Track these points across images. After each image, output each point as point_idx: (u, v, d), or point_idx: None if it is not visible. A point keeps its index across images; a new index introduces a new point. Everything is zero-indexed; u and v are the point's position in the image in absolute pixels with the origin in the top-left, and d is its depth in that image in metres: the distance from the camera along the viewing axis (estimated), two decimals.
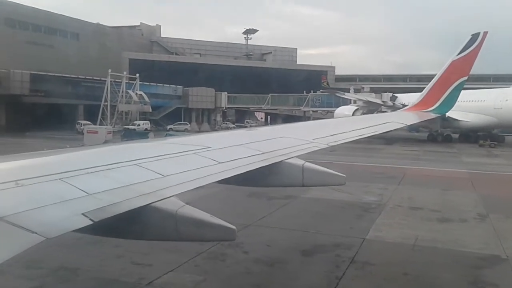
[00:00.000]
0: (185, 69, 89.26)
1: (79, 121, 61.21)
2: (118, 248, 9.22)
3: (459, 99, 50.22)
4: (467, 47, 12.82)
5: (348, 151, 37.74)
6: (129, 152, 4.28)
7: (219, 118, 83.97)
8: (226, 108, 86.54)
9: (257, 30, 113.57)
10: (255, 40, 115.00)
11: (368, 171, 23.99)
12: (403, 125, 11.00)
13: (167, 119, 75.62)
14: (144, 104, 68.46)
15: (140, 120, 66.20)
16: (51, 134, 51.14)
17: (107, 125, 59.75)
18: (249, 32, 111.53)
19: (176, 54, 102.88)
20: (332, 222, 12.45)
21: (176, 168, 3.70)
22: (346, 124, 8.42)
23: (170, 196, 3.31)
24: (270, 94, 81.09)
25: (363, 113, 52.27)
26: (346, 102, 69.22)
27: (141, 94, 68.72)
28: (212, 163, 4.01)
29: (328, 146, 5.84)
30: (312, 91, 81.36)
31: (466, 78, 12.20)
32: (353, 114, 51.93)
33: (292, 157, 5.01)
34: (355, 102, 64.92)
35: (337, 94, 61.56)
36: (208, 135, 7.91)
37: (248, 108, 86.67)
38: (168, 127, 67.67)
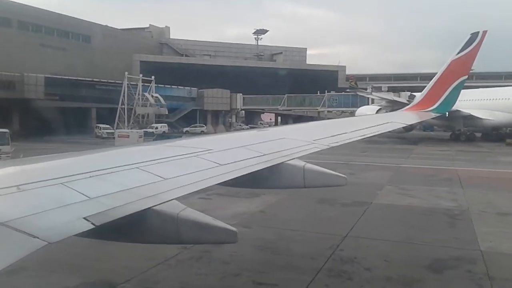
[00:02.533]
0: (196, 71, 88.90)
1: (98, 124, 60.50)
2: None
3: (481, 97, 49.71)
4: (467, 46, 12.62)
5: (379, 152, 37.28)
6: (130, 156, 4.26)
7: (234, 119, 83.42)
8: (241, 110, 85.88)
9: (267, 31, 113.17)
10: (254, 40, 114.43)
11: (417, 173, 23.35)
12: (404, 125, 11.01)
13: (182, 121, 75.11)
14: (161, 107, 67.97)
15: (156, 122, 65.60)
16: (69, 139, 50.57)
17: (124, 128, 59.16)
18: (259, 32, 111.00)
19: (186, 55, 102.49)
20: (428, 231, 11.71)
21: (177, 171, 3.68)
22: (347, 125, 8.35)
23: (172, 199, 3.30)
24: (286, 94, 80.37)
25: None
26: (364, 102, 68.45)
27: (157, 97, 68.19)
28: (213, 165, 4.00)
29: (328, 147, 5.81)
30: (326, 91, 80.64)
31: (466, 77, 12.10)
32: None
33: (293, 158, 4.98)
34: (373, 101, 64.12)
35: (363, 94, 60.73)
36: (209, 137, 7.84)
37: (263, 109, 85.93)
38: (185, 129, 67.19)
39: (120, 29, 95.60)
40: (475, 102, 50.20)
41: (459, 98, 50.19)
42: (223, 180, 3.81)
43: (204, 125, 73.53)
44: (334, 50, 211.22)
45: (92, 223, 2.56)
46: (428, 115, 11.89)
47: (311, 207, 14.65)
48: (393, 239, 10.88)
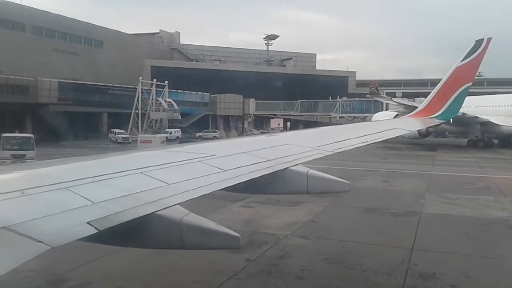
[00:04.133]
0: (206, 76, 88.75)
1: (113, 129, 60.19)
2: None
3: (498, 103, 48.90)
4: (471, 53, 12.58)
5: (401, 158, 36.78)
6: (133, 161, 4.27)
7: (246, 125, 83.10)
8: (254, 115, 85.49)
9: (278, 36, 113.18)
10: (263, 46, 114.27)
11: (452, 181, 22.74)
12: (407, 132, 10.93)
13: (194, 126, 74.80)
14: (174, 112, 67.69)
15: (169, 128, 65.29)
16: (84, 144, 50.33)
17: (138, 133, 58.82)
18: (269, 38, 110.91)
19: (196, 60, 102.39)
20: (496, 243, 11.12)
21: (181, 176, 3.68)
22: (351, 131, 8.30)
23: (175, 204, 3.30)
24: (299, 100, 79.97)
25: None
26: (377, 108, 67.91)
27: (170, 102, 67.95)
28: (217, 171, 3.98)
29: (332, 153, 5.74)
30: (338, 96, 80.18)
31: (470, 84, 11.96)
32: None
33: (296, 164, 4.95)
34: (387, 107, 63.58)
35: (384, 100, 60.22)
36: (213, 143, 7.85)
37: (275, 114, 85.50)
38: (197, 134, 66.86)
39: (131, 34, 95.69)
40: (492, 109, 49.58)
41: (476, 104, 50.08)
42: (226, 186, 3.79)
43: (216, 131, 73.22)
44: (337, 56, 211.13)
45: (96, 228, 2.56)
46: (432, 121, 11.80)
47: (361, 217, 14.22)
48: (464, 253, 10.34)
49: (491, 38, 13.26)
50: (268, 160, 4.67)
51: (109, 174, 3.36)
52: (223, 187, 3.76)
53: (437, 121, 11.89)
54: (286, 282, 8.31)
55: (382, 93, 59.07)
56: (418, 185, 21.05)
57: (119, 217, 2.76)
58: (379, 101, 66.92)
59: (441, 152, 43.81)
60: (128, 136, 58.16)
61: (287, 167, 4.80)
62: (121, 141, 55.12)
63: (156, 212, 3.16)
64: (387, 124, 11.32)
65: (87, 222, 2.58)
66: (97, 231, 2.55)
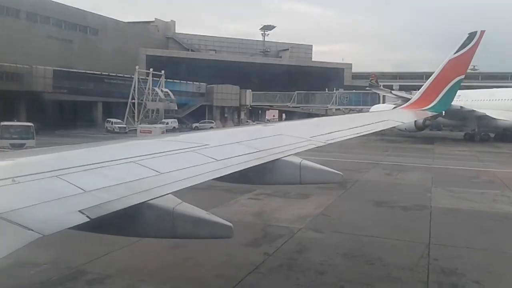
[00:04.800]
0: (202, 66, 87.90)
1: (109, 119, 59.52)
2: None
3: (495, 97, 49.10)
4: (464, 46, 12.62)
5: (401, 151, 36.89)
6: (126, 150, 4.24)
7: (243, 115, 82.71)
8: (251, 106, 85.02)
9: (275, 27, 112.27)
10: (258, 36, 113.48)
11: (456, 175, 22.76)
12: (400, 123, 11.07)
13: (190, 116, 74.31)
14: (170, 102, 67.07)
15: (165, 118, 64.75)
16: (80, 133, 49.80)
17: (134, 123, 58.29)
18: (266, 28, 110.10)
19: (192, 50, 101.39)
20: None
21: (173, 165, 3.67)
22: (344, 122, 8.32)
23: (167, 194, 3.30)
24: (296, 91, 79.65)
25: None
26: (374, 100, 67.91)
27: (167, 92, 67.30)
28: (209, 161, 3.98)
29: (325, 144, 5.77)
30: (335, 88, 80.00)
31: (463, 76, 12.04)
32: None
33: (289, 155, 4.96)
34: (384, 100, 63.60)
35: (383, 93, 60.18)
36: (206, 132, 7.64)
37: (272, 106, 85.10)
38: (194, 125, 66.36)
39: (126, 22, 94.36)
40: (489, 102, 49.75)
41: (473, 98, 50.17)
42: (219, 175, 3.81)
43: (213, 121, 72.81)
44: (331, 47, 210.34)
45: (87, 216, 2.54)
46: (425, 114, 11.86)
47: (372, 210, 14.18)
48: (481, 247, 10.29)
49: (484, 31, 13.27)
50: (261, 151, 4.67)
51: (101, 163, 3.34)
52: (216, 176, 3.77)
53: (429, 113, 12.01)
54: (308, 277, 8.21)
55: (381, 85, 59.10)
56: (422, 179, 21.07)
57: (111, 206, 2.74)
58: (376, 93, 66.87)
59: (439, 146, 43.91)
60: (125, 126, 57.66)
61: (280, 158, 4.81)
62: (118, 131, 54.68)
63: (148, 201, 3.15)
64: (379, 115, 11.44)
65: (79, 211, 2.56)
66: (88, 219, 2.53)
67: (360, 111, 64.33)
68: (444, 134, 61.94)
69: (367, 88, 62.24)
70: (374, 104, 62.60)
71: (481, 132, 50.63)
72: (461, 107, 46.02)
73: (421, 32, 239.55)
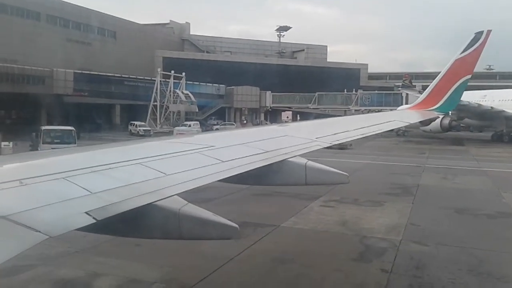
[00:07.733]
0: (218, 67, 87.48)
1: (133, 122, 59.06)
2: None
3: None
4: (471, 46, 12.49)
5: (437, 153, 35.85)
6: (132, 151, 4.26)
7: (262, 117, 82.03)
8: (271, 108, 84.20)
9: (290, 28, 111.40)
10: (269, 37, 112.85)
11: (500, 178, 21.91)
12: (406, 124, 11.07)
13: (210, 119, 73.86)
14: (191, 104, 66.60)
15: (185, 120, 64.25)
16: (105, 136, 49.43)
17: (156, 126, 57.85)
18: (282, 29, 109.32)
19: (207, 52, 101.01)
20: None
21: (179, 167, 3.67)
22: (350, 123, 8.26)
23: (173, 195, 3.29)
24: (317, 93, 78.79)
25: None
26: (397, 101, 67.14)
27: (187, 94, 66.85)
28: (215, 162, 3.97)
29: (330, 144, 5.76)
30: (354, 89, 79.16)
31: (469, 76, 11.89)
32: None
33: (294, 156, 4.94)
34: (407, 101, 62.78)
35: (415, 94, 59.44)
36: (212, 134, 7.88)
37: (290, 107, 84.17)
38: (215, 127, 65.71)
39: (142, 24, 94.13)
40: None
41: (500, 98, 48.93)
42: (225, 177, 3.81)
43: (234, 123, 72.14)
44: (338, 48, 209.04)
45: (94, 218, 2.55)
46: (431, 114, 11.77)
47: (458, 219, 13.63)
48: None
49: (490, 30, 13.01)
50: (266, 152, 4.66)
51: (108, 165, 3.35)
52: (221, 178, 3.77)
53: (436, 113, 11.89)
54: None
55: (415, 86, 57.83)
56: (483, 183, 20.38)
57: (117, 207, 2.74)
58: (398, 94, 65.97)
59: (471, 147, 42.72)
60: (149, 128, 57.21)
61: (286, 159, 4.79)
62: (143, 133, 53.92)
63: (154, 203, 3.14)
64: (385, 116, 11.27)
65: (85, 212, 2.57)
66: (95, 221, 2.53)
67: (380, 112, 63.51)
68: (466, 135, 60.41)
69: (400, 88, 61.32)
70: (396, 105, 61.74)
71: (510, 132, 49.63)
72: (491, 107, 45.09)
73: (427, 31, 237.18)
